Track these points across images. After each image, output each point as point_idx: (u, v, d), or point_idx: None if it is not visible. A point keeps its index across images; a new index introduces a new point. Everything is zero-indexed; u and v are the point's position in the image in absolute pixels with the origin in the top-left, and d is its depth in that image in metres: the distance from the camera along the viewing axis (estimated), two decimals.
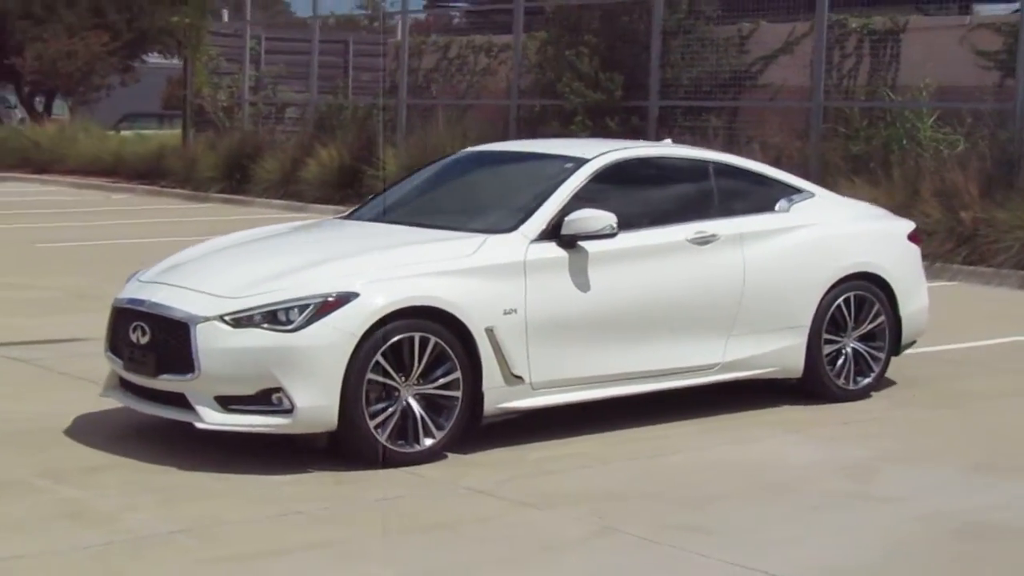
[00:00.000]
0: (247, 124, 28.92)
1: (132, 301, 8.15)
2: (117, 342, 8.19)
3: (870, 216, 10.20)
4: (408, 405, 7.79)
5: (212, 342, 7.63)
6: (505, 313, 8.07)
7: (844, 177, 17.99)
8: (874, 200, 16.63)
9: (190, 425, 7.76)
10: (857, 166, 18.32)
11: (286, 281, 7.86)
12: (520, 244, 8.28)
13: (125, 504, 7.08)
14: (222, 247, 8.88)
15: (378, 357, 7.67)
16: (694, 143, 19.56)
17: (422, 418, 7.83)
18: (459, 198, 9.37)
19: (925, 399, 9.83)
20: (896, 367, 10.19)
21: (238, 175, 26.92)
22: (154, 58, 50.49)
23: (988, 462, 8.14)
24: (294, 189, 25.31)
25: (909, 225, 10.32)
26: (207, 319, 7.68)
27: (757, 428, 8.84)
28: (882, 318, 9.70)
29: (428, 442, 7.85)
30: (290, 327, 7.61)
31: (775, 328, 9.20)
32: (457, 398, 7.93)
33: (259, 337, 7.61)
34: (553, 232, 8.38)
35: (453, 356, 7.89)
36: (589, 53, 21.62)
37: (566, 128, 21.30)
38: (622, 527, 6.76)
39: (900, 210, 16.55)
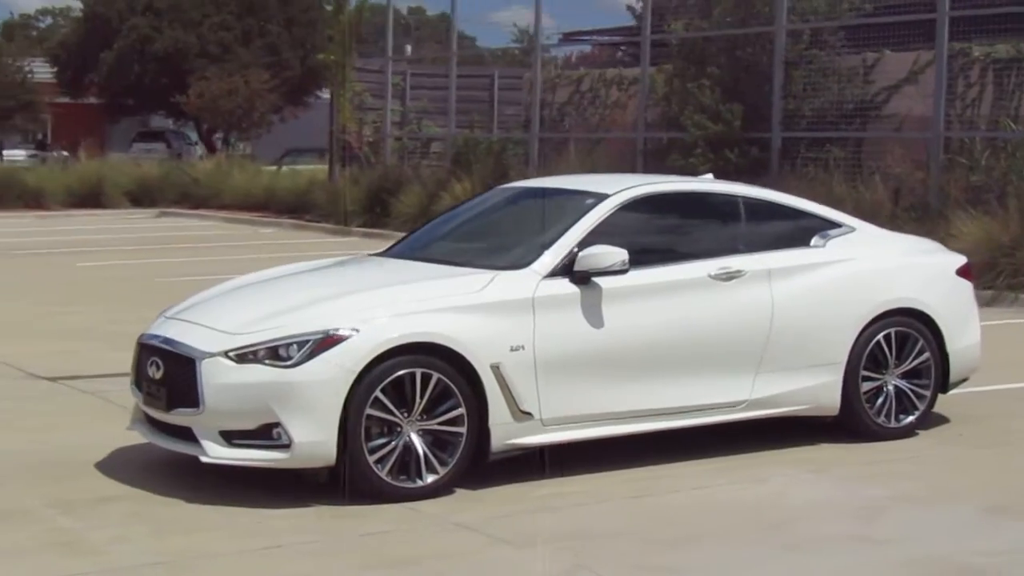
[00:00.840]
0: (390, 159, 29.27)
1: (151, 336, 8.35)
2: (139, 377, 8.39)
3: (915, 251, 9.96)
4: (410, 440, 7.83)
5: (216, 377, 7.78)
6: (512, 350, 8.07)
7: (961, 209, 17.55)
8: (990, 232, 16.35)
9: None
10: (976, 197, 17.83)
11: (289, 318, 7.98)
12: (531, 281, 8.29)
13: (117, 535, 7.26)
14: (245, 284, 9.05)
15: (377, 393, 7.73)
16: (817, 175, 19.44)
17: (425, 454, 7.87)
18: (484, 234, 9.42)
19: (974, 437, 9.56)
20: (958, 403, 10.01)
21: (379, 208, 27.30)
22: (326, 93, 51.54)
23: (1007, 504, 7.88)
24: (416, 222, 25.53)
25: (959, 260, 10.04)
26: (212, 355, 7.84)
27: (776, 467, 8.68)
28: (927, 355, 9.46)
29: (431, 478, 7.89)
30: (289, 363, 7.72)
31: (807, 365, 9.04)
32: (462, 434, 7.95)
33: (260, 373, 7.74)
34: (566, 268, 8.37)
35: (457, 392, 7.92)
36: (711, 85, 21.48)
37: (686, 160, 21.18)
38: (593, 566, 6.73)
39: (1016, 242, 16.26)
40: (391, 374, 7.78)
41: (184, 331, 8.17)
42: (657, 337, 8.55)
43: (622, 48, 30.32)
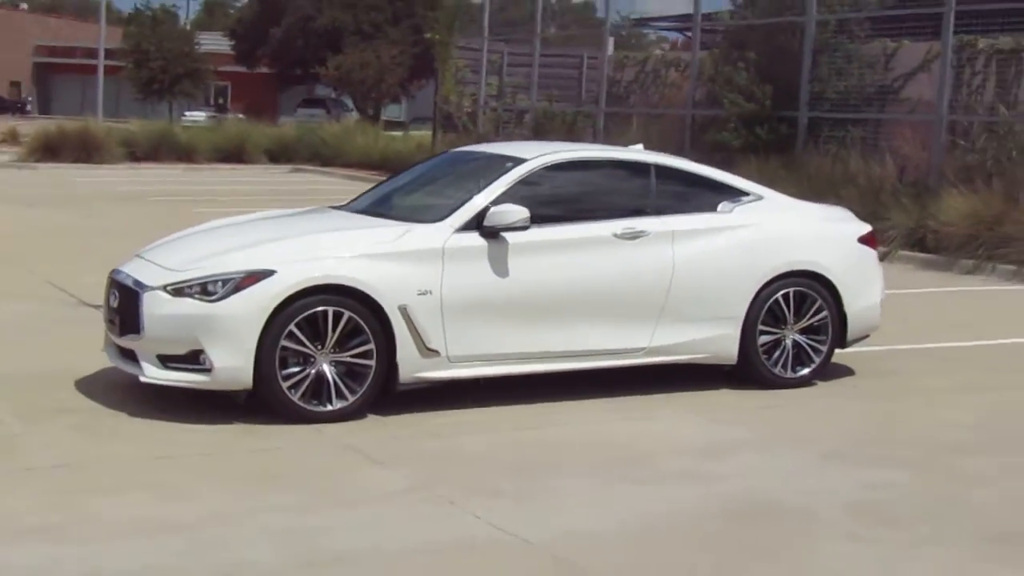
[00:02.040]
0: (485, 127, 29.17)
1: (116, 272, 8.40)
2: (106, 307, 8.47)
3: (819, 219, 9.61)
4: (323, 370, 7.80)
5: (155, 308, 7.82)
6: (419, 294, 7.99)
7: (953, 186, 17.04)
8: (975, 208, 15.83)
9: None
10: (969, 176, 17.26)
11: (223, 258, 7.98)
12: (442, 233, 8.19)
13: (48, 441, 7.32)
14: (212, 227, 9.09)
15: (291, 327, 7.71)
16: (838, 152, 18.97)
17: (335, 382, 7.84)
18: (421, 191, 9.31)
19: (867, 390, 9.26)
20: (880, 358, 9.89)
21: None
22: None
23: (845, 451, 7.60)
24: None
25: (862, 228, 9.70)
26: (152, 289, 7.88)
27: (670, 408, 8.46)
28: (824, 313, 9.17)
29: (340, 404, 7.86)
30: (214, 297, 7.73)
31: (707, 318, 8.82)
32: (371, 367, 7.91)
33: (190, 306, 7.76)
34: (477, 224, 8.25)
35: (367, 329, 7.87)
36: (746, 67, 21.04)
37: (719, 134, 20.83)
38: (437, 488, 6.62)
39: (997, 217, 15.73)
40: (305, 311, 7.74)
41: (139, 267, 8.22)
42: (560, 287, 8.40)
43: (686, 34, 29.83)
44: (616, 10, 27.73)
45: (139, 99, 47.53)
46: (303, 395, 7.78)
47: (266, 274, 7.75)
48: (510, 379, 8.45)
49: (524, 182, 8.57)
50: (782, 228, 9.19)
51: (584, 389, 8.67)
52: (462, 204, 8.37)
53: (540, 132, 26.39)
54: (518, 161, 8.73)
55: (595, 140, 24.82)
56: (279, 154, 35.56)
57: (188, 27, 70.82)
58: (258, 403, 7.82)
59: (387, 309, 7.90)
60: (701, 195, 9.14)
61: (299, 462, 7.09)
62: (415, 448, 7.40)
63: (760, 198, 9.30)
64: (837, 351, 9.46)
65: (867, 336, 9.69)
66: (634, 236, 8.64)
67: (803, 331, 9.16)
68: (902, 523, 6.29)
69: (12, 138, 37.52)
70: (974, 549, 5.95)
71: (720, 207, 9.09)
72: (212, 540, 5.77)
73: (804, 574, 5.65)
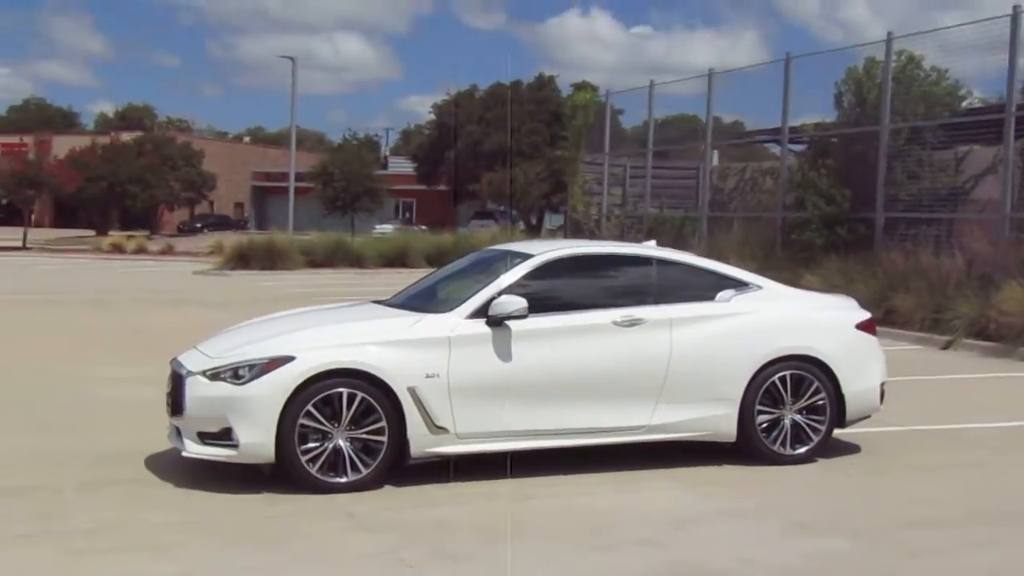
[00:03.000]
0: (612, 232, 29.07)
1: (173, 360, 8.50)
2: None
3: (816, 307, 9.22)
4: (339, 445, 7.76)
5: (194, 391, 7.90)
6: (427, 376, 7.91)
7: (1012, 277, 16.30)
8: None
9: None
10: None
11: (254, 346, 8.04)
12: (450, 322, 8.12)
13: (91, 507, 7.42)
14: (258, 321, 9.15)
15: (309, 407, 7.71)
16: (912, 249, 18.35)
17: (351, 456, 7.78)
18: (447, 286, 9.21)
19: (864, 467, 8.79)
20: (893, 437, 9.62)
21: None
22: None
23: (812, 522, 7.19)
24: None
25: (861, 315, 9.26)
26: (193, 374, 7.96)
27: (662, 481, 8.18)
28: (822, 395, 8.78)
29: (355, 476, 7.79)
30: (241, 381, 7.76)
31: (705, 398, 8.52)
32: (383, 442, 7.84)
33: (221, 388, 7.81)
34: (483, 313, 8.15)
35: (379, 409, 7.82)
36: (827, 173, 20.56)
37: (801, 236, 20.36)
38: (406, 552, 6.49)
39: None
40: (321, 392, 7.74)
41: (190, 356, 8.32)
42: (563, 370, 8.22)
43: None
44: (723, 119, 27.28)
45: (325, 215, 48.86)
46: (320, 468, 7.73)
47: (286, 360, 7.77)
48: (520, 453, 8.24)
49: (531, 275, 8.47)
50: (778, 315, 8.86)
51: (590, 463, 8.41)
52: (471, 296, 8.28)
53: (653, 235, 26.13)
54: (525, 257, 8.63)
55: (697, 241, 24.50)
56: (437, 259, 35.89)
57: (388, 154, 73.06)
58: (283, 475, 7.77)
59: (396, 390, 7.83)
60: (701, 286, 8.87)
61: (296, 527, 7.02)
62: (409, 515, 7.27)
63: (759, 288, 8.99)
64: (857, 430, 9.07)
65: (868, 416, 9.23)
66: (632, 323, 8.42)
67: (801, 411, 8.77)
68: None
69: (218, 250, 38.85)
70: None
71: (719, 296, 8.80)
72: None
73: None
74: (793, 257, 20.68)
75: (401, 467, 7.97)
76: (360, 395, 7.78)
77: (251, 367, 7.80)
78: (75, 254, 46.37)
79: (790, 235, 21.60)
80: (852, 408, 8.94)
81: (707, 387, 8.52)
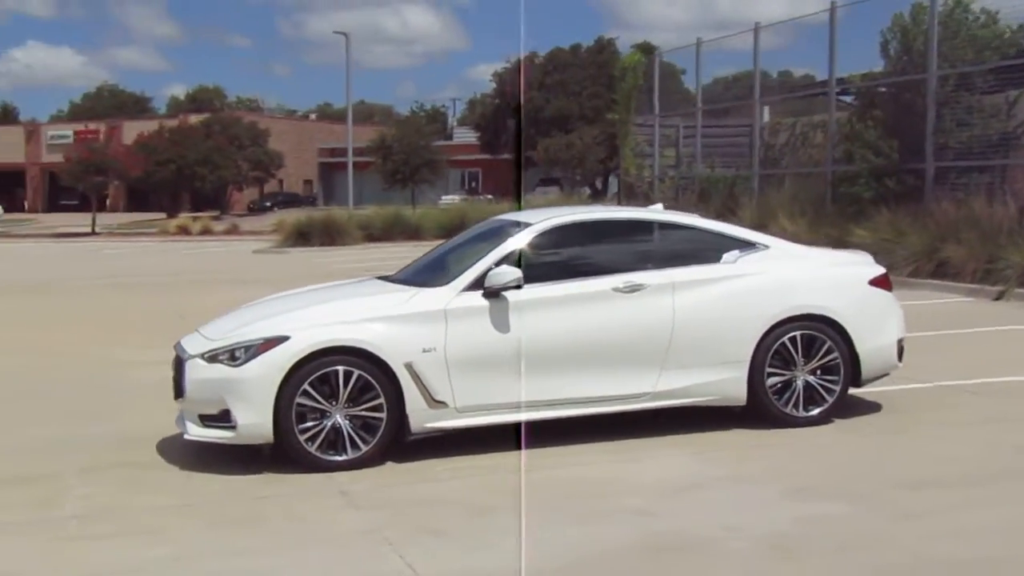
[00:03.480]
0: (663, 194, 28.75)
1: (176, 344, 8.51)
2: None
3: (826, 264, 8.99)
4: (338, 423, 7.73)
5: (194, 373, 7.92)
6: (424, 351, 7.85)
7: None
8: None
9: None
10: None
11: (250, 327, 8.02)
12: (446, 295, 8.03)
13: (89, 493, 7.44)
14: (259, 301, 9.13)
15: (306, 386, 7.68)
16: (963, 198, 17.93)
17: (349, 434, 7.75)
18: (450, 257, 9.08)
19: (882, 427, 8.59)
20: (919, 395, 9.41)
21: None
22: None
23: (809, 486, 7.03)
24: None
25: (875, 271, 9.01)
26: (192, 357, 7.97)
27: (666, 448, 8.03)
28: (835, 354, 8.57)
29: (355, 453, 7.76)
30: (237, 363, 7.76)
31: (712, 362, 8.36)
32: (382, 419, 7.79)
33: (219, 371, 7.81)
34: (479, 285, 8.06)
35: (377, 385, 7.77)
36: (875, 124, 20.10)
37: (850, 190, 19.94)
38: (389, 530, 6.43)
39: None
40: (317, 371, 7.70)
41: (190, 339, 8.33)
42: (562, 340, 8.11)
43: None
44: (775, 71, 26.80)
45: (385, 188, 48.97)
46: (319, 446, 7.71)
47: (281, 340, 7.74)
48: (528, 425, 8.13)
49: (528, 245, 8.34)
50: (786, 274, 8.65)
51: (599, 432, 8.30)
52: (467, 269, 8.19)
53: (704, 196, 25.85)
54: (523, 226, 8.51)
55: (750, 200, 24.14)
56: None
57: (455, 125, 72.78)
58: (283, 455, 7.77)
59: (393, 366, 7.78)
60: (705, 248, 8.69)
61: (288, 507, 7.00)
62: (404, 492, 7.22)
63: (766, 247, 8.78)
64: (884, 388, 8.96)
65: (886, 374, 9.01)
66: (633, 289, 8.27)
67: (814, 372, 8.57)
68: (805, 556, 5.74)
69: (280, 227, 39.10)
70: None
71: (724, 258, 8.62)
72: None
73: None
74: (842, 212, 20.29)
75: (402, 443, 7.91)
76: (357, 372, 7.74)
77: (246, 348, 7.79)
78: (142, 238, 47.04)
79: (839, 189, 21.17)
80: (868, 367, 8.72)
81: (713, 351, 8.35)
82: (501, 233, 8.60)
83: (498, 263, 8.13)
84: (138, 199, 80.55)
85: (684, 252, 8.64)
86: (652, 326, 8.27)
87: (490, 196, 55.04)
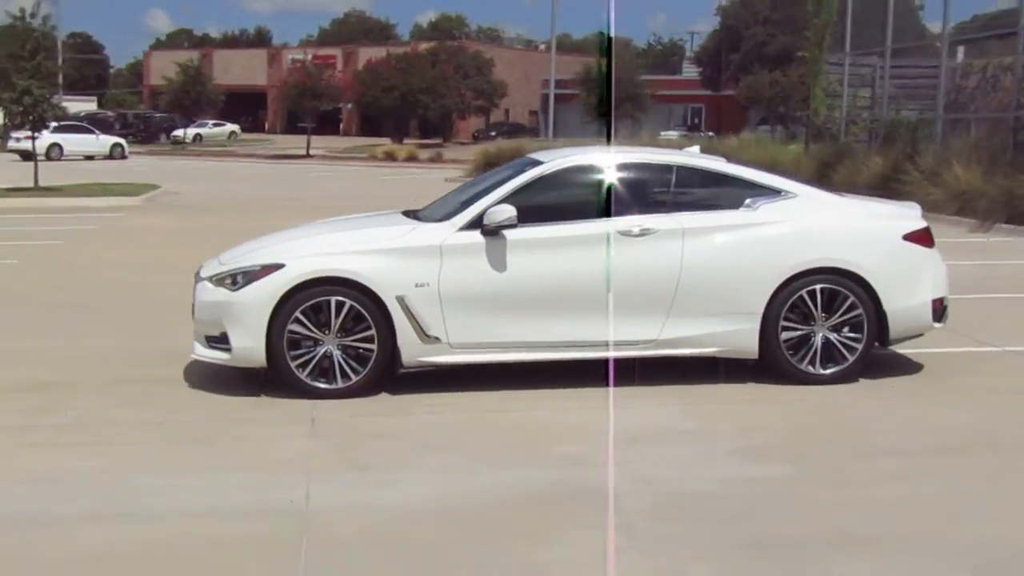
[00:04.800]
0: (854, 136, 27.65)
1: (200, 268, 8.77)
2: None
3: (858, 216, 8.47)
4: (329, 352, 7.85)
5: (202, 296, 8.18)
6: (417, 286, 7.86)
7: None
8: None
9: None
10: None
11: (253, 254, 8.21)
12: (444, 232, 8.01)
13: (88, 405, 7.78)
14: (289, 229, 9.28)
15: (298, 314, 7.82)
16: None
17: (340, 363, 7.87)
18: (466, 193, 9.00)
19: (904, 390, 8.13)
20: (976, 359, 8.99)
21: (823, 177, 25.95)
22: None
23: (767, 446, 6.73)
24: (843, 190, 24.06)
25: (912, 225, 8.44)
26: (202, 280, 8.24)
27: (658, 398, 7.81)
28: (859, 311, 8.14)
29: (345, 383, 7.87)
30: (236, 288, 7.96)
31: (721, 312, 8.06)
32: (373, 350, 7.87)
33: (220, 294, 8.03)
34: (479, 223, 8.00)
35: (369, 317, 7.84)
36: None
37: None
38: (317, 460, 6.49)
39: None
40: (309, 300, 7.83)
41: (209, 263, 8.58)
42: (562, 281, 7.97)
43: None
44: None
45: (587, 121, 48.76)
46: (310, 373, 7.85)
47: (276, 267, 7.90)
48: (538, 365, 8.10)
49: (537, 185, 8.20)
50: (810, 225, 8.23)
51: (603, 377, 8.12)
52: (470, 205, 8.14)
53: (889, 140, 24.71)
54: (536, 164, 8.37)
55: (933, 145, 22.93)
56: None
57: (691, 57, 70.88)
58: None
59: (384, 299, 7.83)
60: (727, 194, 8.34)
61: (253, 430, 7.16)
62: (367, 424, 7.29)
63: (794, 195, 8.36)
64: (944, 349, 8.76)
65: (919, 335, 8.50)
66: (641, 233, 8.03)
67: (836, 329, 8.15)
68: (697, 519, 5.52)
69: (479, 157, 39.54)
70: (718, 553, 5.13)
71: (745, 205, 8.26)
72: (70, 491, 5.97)
73: (528, 560, 5.07)
74: (1014, 161, 19.04)
75: (395, 376, 7.98)
76: (349, 303, 7.82)
77: (245, 274, 7.97)
78: (353, 162, 48.45)
79: (1019, 137, 19.87)
80: (896, 326, 8.24)
81: (724, 300, 8.05)
82: (515, 172, 8.47)
83: (501, 202, 8.03)
84: (370, 124, 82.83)
85: (703, 198, 8.33)
86: (658, 272, 8.02)
87: (711, 133, 54.03)
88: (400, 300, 7.82)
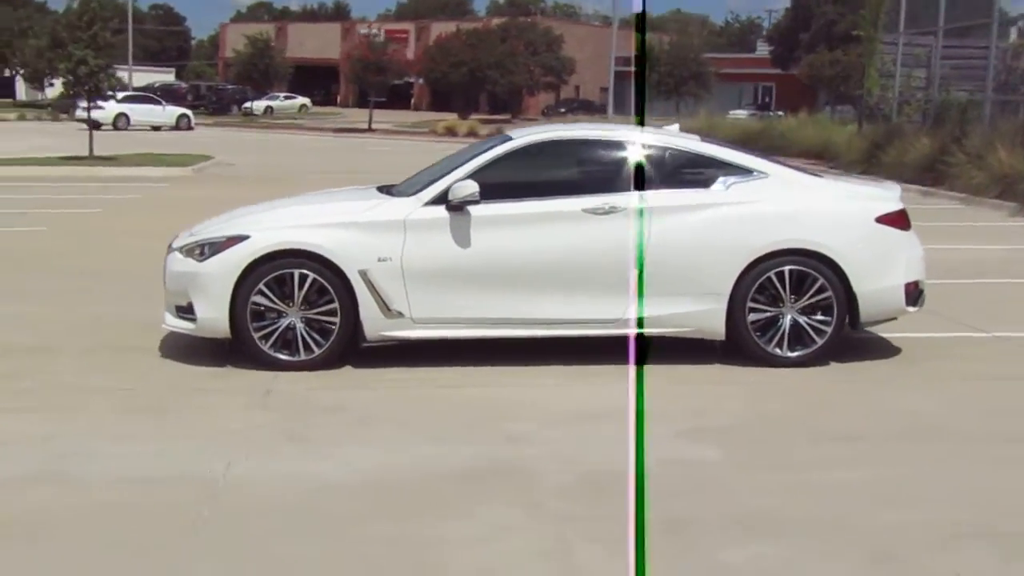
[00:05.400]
0: (908, 117, 27.16)
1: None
2: None
3: (831, 197, 8.32)
4: (292, 324, 7.91)
5: (171, 266, 8.28)
6: (380, 260, 7.89)
7: None
8: None
9: None
10: None
11: (222, 225, 8.29)
12: (409, 206, 8.02)
13: (61, 369, 7.93)
14: (265, 202, 9.32)
15: (261, 286, 7.88)
16: None
17: (303, 336, 7.92)
18: (437, 169, 8.94)
19: (871, 375, 8.00)
20: (956, 343, 8.88)
21: (873, 159, 25.58)
22: None
23: (714, 428, 6.67)
24: (891, 171, 23.71)
25: (886, 207, 8.28)
26: (174, 250, 8.34)
27: (613, 377, 7.74)
28: (828, 294, 8.02)
29: (307, 355, 7.93)
30: (202, 259, 8.04)
31: (688, 292, 7.99)
32: (336, 324, 7.91)
33: (187, 264, 8.12)
34: (444, 198, 8.00)
35: (332, 290, 7.88)
36: None
37: None
38: (258, 432, 6.53)
39: None
40: (273, 272, 7.88)
41: (182, 234, 8.66)
42: (526, 258, 7.94)
43: None
44: None
45: (649, 99, 48.41)
46: (273, 345, 7.91)
47: (241, 239, 7.96)
48: (513, 342, 8.10)
49: (504, 161, 8.17)
50: (779, 205, 8.11)
51: (571, 355, 8.12)
52: (437, 180, 8.13)
53: (939, 121, 24.24)
54: (504, 140, 8.34)
55: (981, 127, 22.45)
56: (742, 145, 34.90)
57: (766, 35, 69.82)
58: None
59: (347, 272, 7.86)
60: (697, 173, 8.25)
61: (206, 400, 7.21)
62: (320, 397, 7.31)
63: (765, 176, 8.24)
64: (932, 335, 8.70)
65: (892, 319, 8.37)
66: (606, 211, 7.97)
67: (805, 311, 8.04)
68: (608, 499, 5.49)
69: None
70: (616, 534, 5.09)
71: (716, 184, 8.16)
72: (11, 454, 6.09)
73: (426, 534, 5.07)
74: None
75: (359, 350, 8.02)
76: (312, 276, 7.86)
77: (211, 245, 8.05)
78: (412, 136, 48.60)
79: None
80: (867, 309, 8.11)
81: (690, 280, 7.97)
82: (486, 148, 8.44)
83: (468, 177, 8.01)
84: (441, 99, 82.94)
85: (673, 176, 8.24)
86: (622, 250, 7.96)
87: (780, 112, 53.37)
88: (363, 274, 7.85)
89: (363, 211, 8.05)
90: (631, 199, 8.02)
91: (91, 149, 28.47)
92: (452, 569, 4.72)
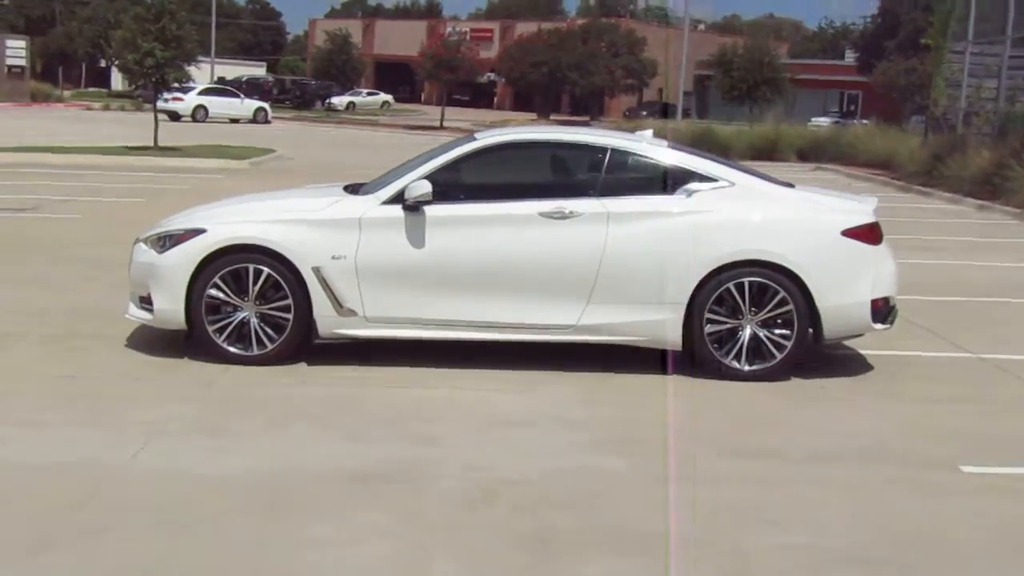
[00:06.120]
0: (978, 129, 26.53)
1: None
2: None
3: (797, 209, 8.11)
4: (247, 319, 7.94)
5: (135, 256, 8.37)
6: (333, 258, 7.88)
7: None
8: None
9: None
10: None
11: (184, 218, 8.35)
12: (365, 205, 8.01)
13: (18, 356, 8.07)
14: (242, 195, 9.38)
15: (216, 279, 7.92)
16: None
17: (257, 330, 7.95)
18: (402, 169, 8.86)
19: (831, 393, 7.81)
20: (937, 364, 8.69)
21: (934, 171, 25.03)
22: None
23: (626, 439, 6.56)
24: (950, 184, 23.21)
25: (854, 220, 8.04)
26: (138, 241, 8.41)
27: (558, 386, 7.65)
28: (789, 307, 7.84)
29: (261, 350, 7.97)
30: (162, 250, 8.10)
31: (644, 301, 7.86)
32: (289, 319, 7.93)
33: (147, 256, 8.20)
34: (401, 198, 7.96)
35: (286, 287, 7.91)
36: None
37: None
38: (191, 424, 6.60)
39: None
40: (228, 266, 7.92)
41: (151, 226, 8.71)
42: (480, 260, 7.88)
43: None
44: None
45: (722, 103, 47.85)
46: (227, 338, 7.95)
47: (198, 232, 8.01)
48: (475, 344, 8.07)
49: (464, 162, 8.12)
50: (741, 216, 7.94)
51: (524, 360, 8.06)
52: (396, 180, 8.10)
53: (1003, 134, 23.65)
54: (468, 141, 8.28)
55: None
56: (809, 153, 34.49)
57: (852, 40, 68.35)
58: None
59: (301, 269, 7.87)
60: (661, 180, 8.11)
61: (149, 391, 7.24)
62: (260, 392, 7.33)
63: (730, 185, 8.07)
64: (917, 354, 8.59)
65: (858, 335, 8.18)
66: (563, 216, 7.87)
67: (765, 324, 7.86)
68: (498, 504, 5.41)
69: None
70: (487, 545, 5.01)
71: (679, 192, 8.01)
72: None
73: (293, 535, 5.05)
74: None
75: (311, 346, 8.02)
76: (266, 271, 7.88)
77: (170, 237, 8.11)
78: None
79: None
80: (830, 325, 7.91)
81: (647, 289, 7.84)
82: (449, 148, 8.38)
83: (426, 177, 7.96)
84: (522, 99, 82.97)
85: (635, 183, 8.13)
86: (579, 256, 7.86)
87: (865, 120, 52.45)
88: (316, 271, 7.85)
89: (320, 208, 8.05)
90: (589, 204, 7.91)
91: (156, 139, 28.92)
92: (296, 571, 4.68)
